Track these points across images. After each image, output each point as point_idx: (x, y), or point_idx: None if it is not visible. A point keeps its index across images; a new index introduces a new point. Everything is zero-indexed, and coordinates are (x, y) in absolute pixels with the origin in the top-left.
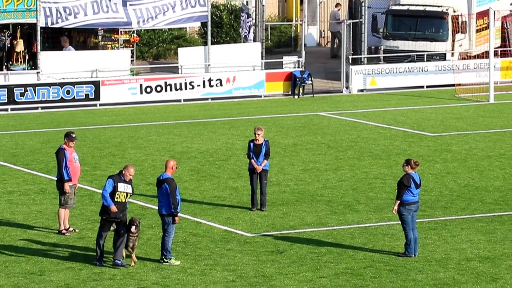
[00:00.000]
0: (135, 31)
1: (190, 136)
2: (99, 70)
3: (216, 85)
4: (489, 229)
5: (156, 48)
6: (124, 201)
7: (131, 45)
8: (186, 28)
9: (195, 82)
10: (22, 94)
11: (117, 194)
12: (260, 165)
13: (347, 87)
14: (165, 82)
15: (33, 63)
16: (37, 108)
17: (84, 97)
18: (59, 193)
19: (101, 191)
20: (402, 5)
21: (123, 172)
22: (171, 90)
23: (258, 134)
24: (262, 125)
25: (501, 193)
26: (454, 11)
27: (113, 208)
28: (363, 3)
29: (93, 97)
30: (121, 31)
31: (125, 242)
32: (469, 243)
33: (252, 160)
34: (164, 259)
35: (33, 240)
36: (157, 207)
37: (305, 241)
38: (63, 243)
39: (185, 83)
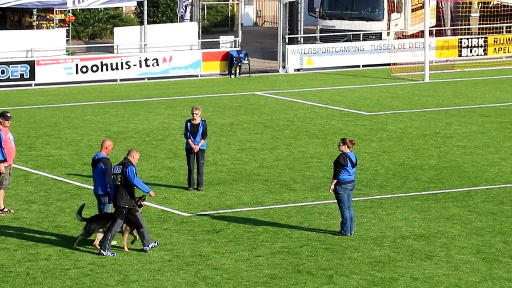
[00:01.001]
0: (71, 11)
1: (126, 116)
2: (34, 49)
3: (153, 64)
4: (424, 207)
5: (92, 28)
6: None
7: (66, 25)
8: (122, 7)
9: (132, 61)
10: None
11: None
12: (197, 144)
13: (283, 67)
14: (101, 62)
15: None
16: None
17: (19, 77)
18: None
19: (36, 171)
20: None
21: (129, 157)
22: (107, 70)
23: (196, 114)
24: (199, 104)
25: (436, 172)
26: None
27: (153, 193)
28: None
29: (28, 77)
30: (56, 11)
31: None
32: (404, 221)
33: (189, 140)
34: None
35: None
36: (93, 187)
37: (242, 220)
38: None
39: (121, 63)
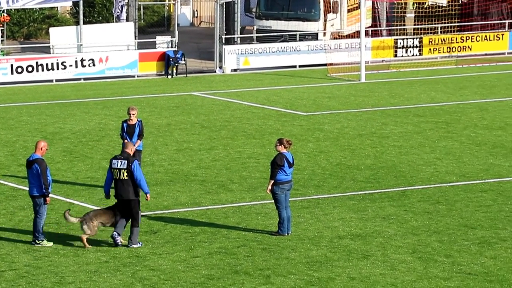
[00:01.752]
0: (5, 10)
1: (62, 116)
2: None
3: (89, 65)
4: (361, 207)
5: (27, 28)
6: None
7: (1, 25)
8: (57, 7)
9: (67, 62)
10: None
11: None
12: (134, 145)
13: (220, 67)
14: (37, 62)
15: None
16: None
17: None
18: None
19: None
20: None
21: (128, 151)
22: (42, 70)
23: (132, 114)
24: (135, 105)
25: (372, 171)
26: None
27: (149, 197)
28: None
29: None
30: None
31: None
32: (341, 221)
33: (126, 141)
34: (36, 241)
35: None
36: (28, 189)
37: (179, 221)
38: None
39: (57, 63)
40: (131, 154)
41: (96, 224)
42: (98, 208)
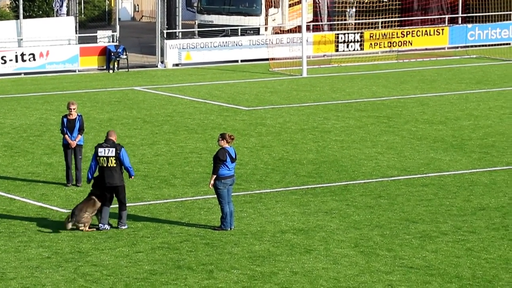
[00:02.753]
0: None
1: (2, 111)
2: None
3: (29, 59)
4: (303, 201)
5: None
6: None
7: None
8: None
9: (7, 56)
10: None
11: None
12: (74, 140)
13: (162, 62)
14: None
15: None
16: None
17: None
18: None
19: None
20: None
21: (112, 138)
22: None
23: (72, 109)
24: (76, 100)
25: (315, 166)
26: None
27: (133, 177)
28: None
29: None
30: None
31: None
32: (283, 216)
33: (66, 136)
34: None
35: None
36: None
37: None
38: None
39: None
40: (115, 141)
41: (87, 214)
42: (78, 203)
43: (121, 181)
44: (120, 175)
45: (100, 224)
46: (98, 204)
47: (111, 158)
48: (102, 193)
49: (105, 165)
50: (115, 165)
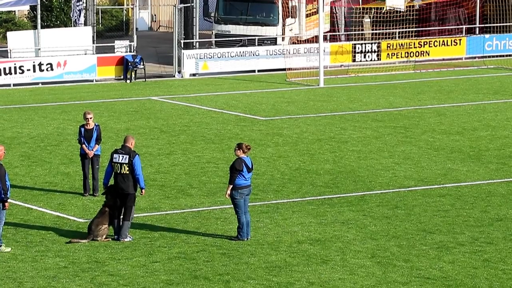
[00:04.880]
0: None
1: (20, 121)
2: None
3: (47, 69)
4: (320, 211)
5: None
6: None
7: None
8: (15, 11)
9: (25, 66)
10: None
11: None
12: (92, 150)
13: (179, 72)
14: None
15: None
16: None
17: None
18: None
19: None
20: None
21: (128, 145)
22: (0, 74)
23: (90, 118)
24: (94, 110)
25: (331, 176)
26: None
27: (144, 192)
28: None
29: None
30: None
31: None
32: (300, 226)
33: (83, 145)
34: None
35: None
36: None
37: (138, 226)
38: None
39: (15, 67)
40: (132, 148)
41: (104, 227)
42: (94, 218)
43: (133, 189)
44: (133, 183)
45: (121, 239)
46: (110, 217)
47: (124, 165)
48: (115, 202)
49: (118, 172)
50: (127, 172)
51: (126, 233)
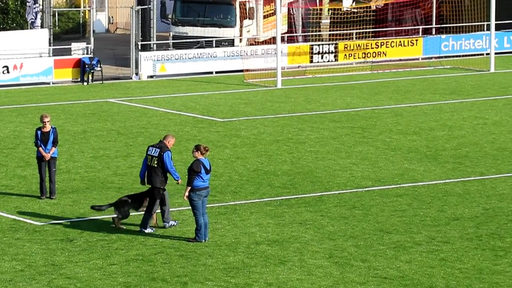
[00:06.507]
0: None
1: None
2: None
3: (3, 72)
4: (278, 212)
5: None
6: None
7: None
8: None
9: None
10: None
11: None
12: (48, 152)
13: (136, 74)
14: None
15: None
16: None
17: None
18: None
19: None
20: None
21: (164, 141)
22: None
23: (47, 122)
24: (50, 112)
25: (289, 177)
26: None
27: (180, 181)
28: None
29: None
30: None
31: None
32: (258, 227)
33: (40, 148)
34: None
35: None
36: None
37: (96, 228)
38: None
39: None
40: (167, 145)
41: (127, 209)
42: (131, 193)
43: (159, 183)
44: (161, 177)
45: (164, 224)
46: (145, 202)
47: (155, 158)
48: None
49: (149, 164)
50: (156, 165)
51: (146, 225)
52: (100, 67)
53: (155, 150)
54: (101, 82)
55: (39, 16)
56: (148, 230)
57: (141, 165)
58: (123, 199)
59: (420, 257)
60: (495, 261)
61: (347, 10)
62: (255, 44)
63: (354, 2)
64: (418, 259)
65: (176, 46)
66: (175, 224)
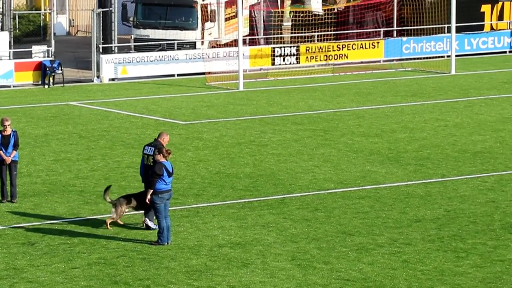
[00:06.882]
0: None
1: None
2: None
3: None
4: (240, 215)
5: None
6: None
7: None
8: None
9: None
10: None
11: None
12: (9, 156)
13: (98, 76)
14: None
15: None
16: None
17: None
18: None
19: None
20: None
21: (159, 140)
22: None
23: (7, 125)
24: (11, 115)
25: (251, 180)
26: (203, 0)
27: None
28: None
29: None
30: None
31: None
32: (220, 230)
33: (1, 152)
34: None
35: None
36: None
37: (58, 232)
38: None
39: None
40: (162, 143)
41: (123, 209)
42: (130, 193)
43: None
44: None
45: (144, 218)
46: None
47: (150, 156)
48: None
49: (146, 163)
50: (152, 164)
51: (151, 218)
52: (61, 70)
53: (150, 149)
54: (62, 85)
55: None
56: (151, 225)
57: (140, 165)
58: (121, 199)
59: (382, 259)
60: (457, 262)
61: (309, 13)
62: (217, 47)
63: (320, 4)
64: (380, 261)
65: (138, 49)
66: (153, 227)
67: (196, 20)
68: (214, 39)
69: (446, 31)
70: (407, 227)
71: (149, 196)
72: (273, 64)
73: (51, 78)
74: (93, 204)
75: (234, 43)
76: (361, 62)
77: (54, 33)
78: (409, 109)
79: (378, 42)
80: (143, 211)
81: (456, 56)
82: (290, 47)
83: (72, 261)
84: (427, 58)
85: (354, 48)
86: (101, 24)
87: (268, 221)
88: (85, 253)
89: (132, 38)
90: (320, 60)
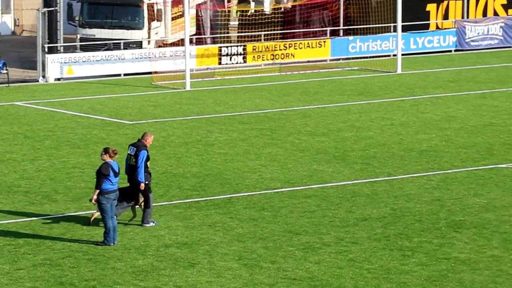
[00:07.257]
0: None
1: None
2: None
3: None
4: (187, 215)
5: None
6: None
7: None
8: None
9: None
10: None
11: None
12: None
13: (43, 76)
14: None
15: None
16: None
17: None
18: None
19: None
20: None
21: (142, 140)
22: None
23: None
24: None
25: (198, 179)
26: None
27: (143, 185)
28: None
29: None
30: None
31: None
32: (167, 230)
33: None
34: None
35: None
36: None
37: (2, 233)
38: None
39: None
40: (145, 144)
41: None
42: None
43: (144, 179)
44: (145, 173)
45: (143, 225)
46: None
47: (132, 156)
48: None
49: (129, 163)
50: (134, 163)
51: (148, 219)
52: (6, 69)
53: (133, 149)
54: (7, 85)
55: None
56: (150, 224)
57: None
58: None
59: (329, 258)
60: (403, 261)
61: (255, 12)
62: (164, 46)
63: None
64: (327, 260)
65: (84, 49)
66: (153, 224)
67: (142, 19)
68: (160, 38)
69: (392, 30)
70: (353, 226)
71: (95, 197)
72: (220, 63)
73: None
74: (38, 204)
75: (180, 42)
76: (308, 61)
77: None
78: (355, 108)
79: (324, 41)
80: (132, 205)
81: (402, 55)
82: (237, 46)
83: (17, 262)
84: (373, 57)
85: (300, 47)
86: (47, 24)
87: (215, 221)
88: (30, 254)
89: (78, 37)
90: (266, 59)
